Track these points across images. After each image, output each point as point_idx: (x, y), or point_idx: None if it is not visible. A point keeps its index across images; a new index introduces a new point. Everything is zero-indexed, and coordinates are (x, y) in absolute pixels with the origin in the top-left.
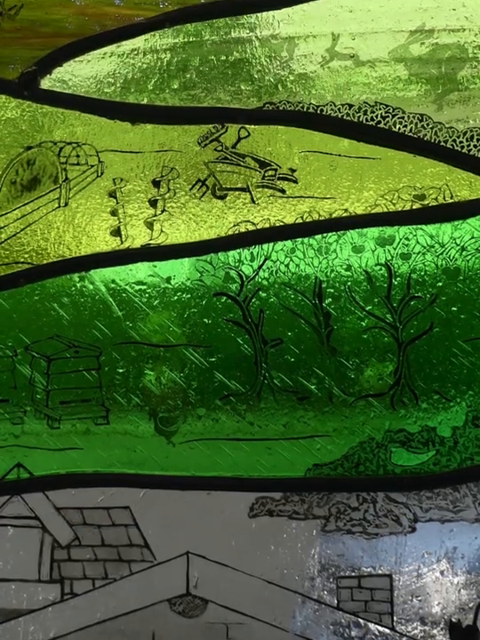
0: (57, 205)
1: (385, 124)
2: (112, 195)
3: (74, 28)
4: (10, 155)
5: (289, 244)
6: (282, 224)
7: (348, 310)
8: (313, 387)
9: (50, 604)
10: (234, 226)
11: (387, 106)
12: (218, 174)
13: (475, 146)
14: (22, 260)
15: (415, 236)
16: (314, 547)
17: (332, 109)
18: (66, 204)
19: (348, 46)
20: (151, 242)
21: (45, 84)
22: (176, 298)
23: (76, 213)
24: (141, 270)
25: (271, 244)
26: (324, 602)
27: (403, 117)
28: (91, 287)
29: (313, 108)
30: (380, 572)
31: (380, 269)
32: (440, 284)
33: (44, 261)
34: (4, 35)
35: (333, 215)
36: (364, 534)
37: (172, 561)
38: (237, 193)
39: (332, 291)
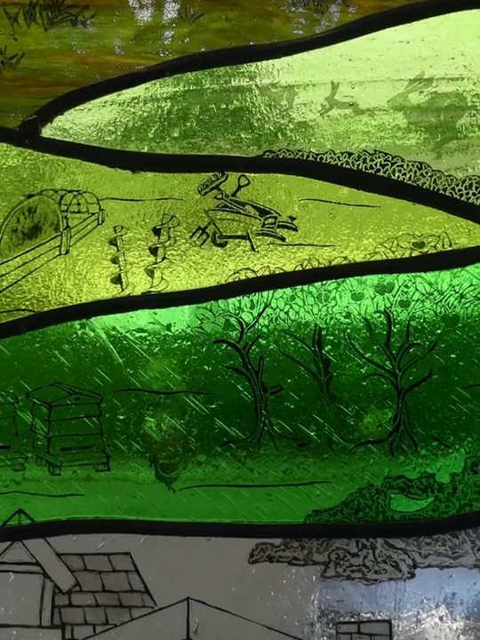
0: (58, 253)
1: (384, 172)
2: (113, 242)
3: (75, 76)
4: (11, 203)
5: (289, 291)
6: (282, 271)
7: (347, 357)
8: (312, 433)
9: None
10: (234, 273)
11: (386, 154)
12: (218, 222)
13: (473, 194)
14: (23, 307)
15: (414, 283)
16: (313, 592)
17: (331, 158)
18: (67, 252)
19: (347, 95)
20: (152, 289)
21: (46, 132)
22: (176, 345)
23: (76, 261)
24: (142, 317)
25: (271, 292)
26: None
27: (402, 165)
28: (91, 334)
29: (313, 156)
30: (379, 617)
31: (380, 317)
32: (439, 331)
33: (46, 309)
34: (5, 83)
35: (333, 263)
36: (363, 580)
37: (172, 607)
38: (237, 241)
39: (331, 338)
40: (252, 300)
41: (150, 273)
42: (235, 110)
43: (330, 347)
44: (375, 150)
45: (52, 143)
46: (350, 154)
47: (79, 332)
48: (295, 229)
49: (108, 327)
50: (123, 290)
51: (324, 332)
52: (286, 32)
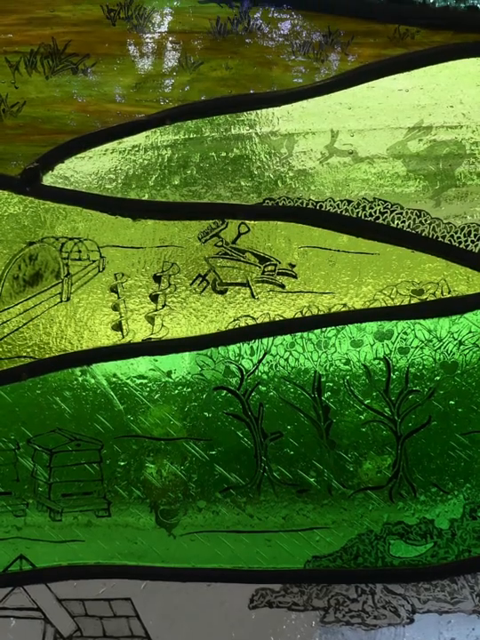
0: (59, 300)
1: (383, 220)
2: (113, 289)
3: (76, 124)
4: (12, 250)
5: (288, 338)
6: (281, 318)
7: (346, 404)
8: (312, 479)
9: None
10: (234, 320)
11: (385, 202)
12: (218, 269)
13: (472, 241)
14: (25, 354)
15: (413, 330)
16: (313, 638)
17: (331, 205)
18: (68, 299)
19: (346, 143)
20: (152, 336)
21: (47, 180)
22: (177, 392)
23: (77, 308)
24: (142, 364)
25: (271, 339)
26: None
27: (401, 213)
28: (92, 381)
29: (312, 203)
30: None
31: (379, 363)
32: (438, 377)
33: (47, 355)
34: (6, 131)
35: (332, 310)
36: (362, 625)
37: None
38: (237, 288)
39: (331, 384)
40: (251, 347)
41: (151, 320)
42: (235, 158)
43: (329, 393)
44: (374, 198)
45: (54, 191)
46: (350, 201)
47: (80, 379)
48: (295, 276)
49: (109, 374)
50: (123, 337)
51: (323, 379)
52: (286, 80)
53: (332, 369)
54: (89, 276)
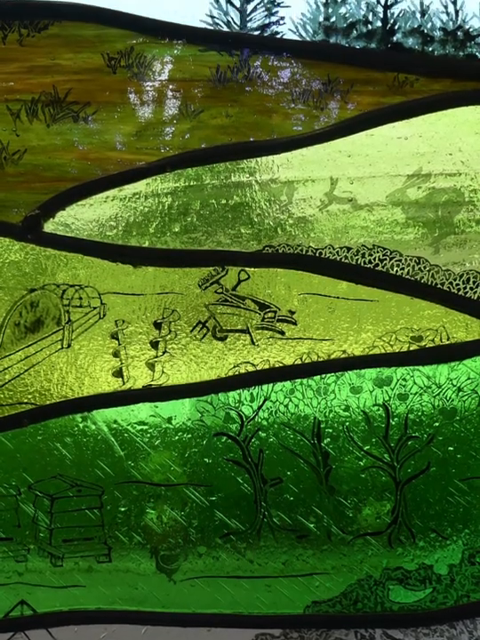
0: (60, 347)
1: (382, 267)
2: (114, 336)
3: (77, 172)
4: (14, 297)
5: (288, 384)
6: (281, 365)
7: (346, 450)
8: (312, 525)
9: None
10: (234, 367)
11: (384, 249)
12: (218, 316)
13: (471, 288)
14: (26, 400)
15: (412, 376)
16: None
17: (330, 252)
18: (69, 346)
19: (346, 190)
20: (153, 383)
21: (49, 227)
22: (177, 438)
23: (78, 355)
24: (143, 411)
25: (271, 385)
26: None
27: (400, 260)
28: (93, 427)
29: (312, 251)
30: None
31: (378, 410)
32: (437, 424)
33: (48, 402)
34: (7, 179)
35: (332, 356)
36: None
37: None
38: (237, 334)
39: (330, 431)
40: (251, 394)
41: (151, 366)
42: (235, 205)
43: (329, 439)
44: (374, 245)
45: (55, 238)
46: (349, 248)
47: (81, 425)
48: (294, 323)
49: (110, 420)
50: (124, 383)
51: (323, 425)
52: (286, 128)
53: (331, 415)
54: (90, 323)
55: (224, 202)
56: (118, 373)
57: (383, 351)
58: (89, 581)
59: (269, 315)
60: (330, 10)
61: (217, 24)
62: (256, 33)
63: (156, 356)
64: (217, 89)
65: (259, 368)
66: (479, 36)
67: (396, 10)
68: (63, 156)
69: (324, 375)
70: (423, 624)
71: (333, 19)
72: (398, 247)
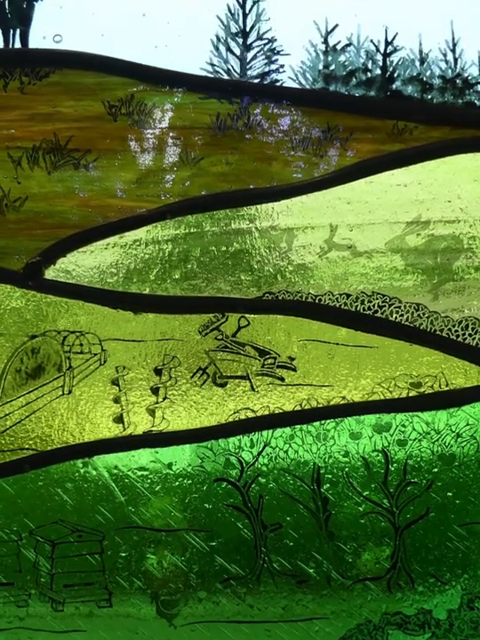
0: (61, 393)
1: (382, 314)
2: (115, 382)
3: (77, 219)
4: (15, 343)
5: (288, 430)
6: (281, 411)
7: (345, 495)
8: (311, 570)
9: None
10: (234, 413)
11: (384, 295)
12: (218, 362)
13: (469, 334)
14: (27, 446)
15: (411, 422)
16: None
17: (330, 299)
18: (70, 392)
19: (345, 237)
20: (153, 428)
21: (50, 274)
22: (177, 483)
23: (79, 401)
24: (143, 456)
25: (271, 431)
26: None
27: (399, 307)
28: (94, 473)
29: (311, 297)
30: None
31: (378, 456)
32: (436, 469)
33: (49, 448)
34: (9, 226)
35: (331, 402)
36: None
37: None
38: (237, 381)
39: (330, 476)
40: (251, 440)
41: (152, 412)
42: (235, 252)
43: (328, 485)
44: (373, 292)
45: (56, 285)
46: (348, 295)
47: (82, 471)
48: (294, 369)
49: (111, 466)
50: (125, 429)
51: (322, 471)
52: (286, 175)
53: (331, 461)
54: (90, 369)
55: (224, 249)
56: (119, 419)
57: (382, 397)
58: (90, 626)
59: (269, 361)
60: (329, 58)
61: (217, 72)
62: (256, 81)
63: (157, 402)
64: (217, 136)
65: (259, 414)
66: (478, 84)
67: (395, 58)
68: (64, 203)
69: (323, 421)
70: None
71: (333, 67)
72: (397, 294)
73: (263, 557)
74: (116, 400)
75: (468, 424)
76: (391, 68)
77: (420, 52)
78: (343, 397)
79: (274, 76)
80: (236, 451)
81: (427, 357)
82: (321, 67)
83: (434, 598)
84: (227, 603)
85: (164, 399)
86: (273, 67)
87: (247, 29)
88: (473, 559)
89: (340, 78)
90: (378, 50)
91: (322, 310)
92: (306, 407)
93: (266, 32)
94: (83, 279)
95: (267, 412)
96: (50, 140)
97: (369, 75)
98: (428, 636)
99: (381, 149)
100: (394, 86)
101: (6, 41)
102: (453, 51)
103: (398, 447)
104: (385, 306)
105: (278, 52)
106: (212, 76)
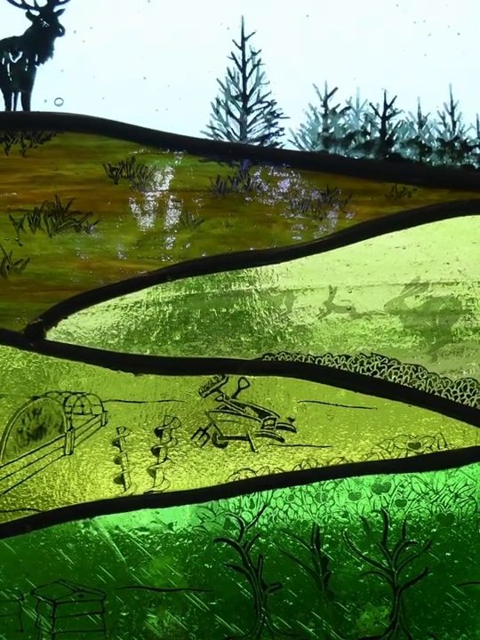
0: (62, 454)
1: (381, 375)
2: (116, 443)
3: (79, 281)
4: (16, 404)
5: (288, 491)
6: (281, 472)
7: (344, 555)
8: (311, 630)
9: None
10: (234, 473)
11: (382, 357)
12: (218, 423)
13: (468, 396)
14: (28, 506)
15: (410, 483)
16: None
17: (329, 360)
18: (71, 453)
19: (344, 299)
20: (154, 489)
21: (51, 335)
22: (178, 543)
23: (80, 461)
24: (144, 516)
25: (270, 491)
26: None
27: (398, 368)
28: (95, 533)
29: (311, 358)
30: None
31: (377, 516)
32: (434, 530)
33: (50, 508)
34: (10, 288)
35: (331, 463)
36: None
37: None
38: (237, 441)
39: (329, 536)
40: (251, 500)
41: (152, 473)
42: (235, 314)
43: (328, 545)
44: (372, 353)
45: (57, 346)
46: (348, 356)
47: (83, 531)
48: (294, 430)
49: (111, 526)
50: (125, 489)
51: (322, 531)
52: (285, 237)
53: (330, 521)
54: (92, 430)
55: (224, 310)
56: (120, 480)
57: (381, 458)
58: None
59: (269, 422)
60: (329, 121)
61: (217, 135)
62: (256, 144)
63: (157, 463)
64: (217, 199)
65: (258, 474)
66: (476, 147)
67: (394, 121)
68: (65, 265)
69: (322, 481)
70: None
71: (332, 130)
72: (396, 355)
73: (263, 617)
74: (117, 460)
75: (466, 484)
76: (390, 131)
77: (419, 115)
78: (342, 458)
79: (273, 138)
80: (236, 511)
81: (425, 418)
82: (320, 130)
83: None
84: None
85: (165, 460)
86: (273, 130)
87: (247, 93)
88: (471, 619)
89: (339, 141)
90: (377, 113)
91: (321, 371)
92: (305, 468)
93: (266, 95)
94: (84, 341)
95: (266, 473)
96: (51, 202)
97: (368, 137)
98: None
99: (380, 212)
100: (393, 149)
101: (8, 104)
102: (452, 114)
103: (397, 507)
104: (384, 367)
105: (278, 115)
106: (212, 138)
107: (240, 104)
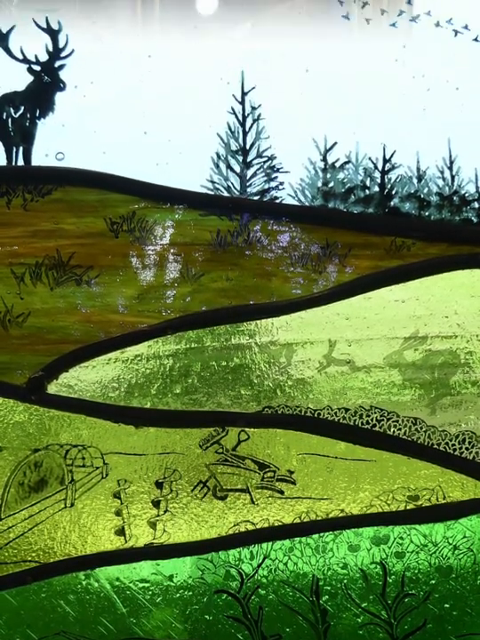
0: (63, 506)
1: (380, 428)
2: (117, 496)
3: (79, 334)
4: (18, 457)
5: (287, 543)
6: (280, 524)
7: (344, 607)
8: None
9: None
10: (234, 525)
11: (382, 410)
12: (218, 476)
13: (466, 448)
14: (30, 558)
15: (409, 535)
16: None
17: (328, 413)
18: (72, 505)
19: (344, 352)
20: (154, 541)
21: (52, 388)
22: (178, 595)
23: (81, 513)
24: (145, 568)
25: (270, 543)
26: None
27: (397, 421)
28: (96, 585)
29: (310, 411)
30: None
31: (376, 567)
32: (433, 581)
33: (51, 560)
34: (12, 341)
35: (330, 515)
36: None
37: None
38: (238, 494)
39: (328, 588)
40: (251, 552)
41: (153, 525)
42: (235, 367)
43: (327, 597)
44: (371, 406)
45: (58, 399)
46: (347, 409)
47: (84, 583)
48: (294, 483)
49: (112, 577)
50: (126, 541)
51: (321, 583)
52: (285, 291)
53: (329, 573)
54: (93, 483)
55: (224, 364)
56: (120, 532)
57: (380, 510)
58: None
59: (269, 474)
60: (328, 175)
61: (217, 189)
62: (256, 198)
63: (158, 515)
64: (217, 253)
65: (258, 527)
66: (474, 201)
67: (393, 175)
68: (66, 319)
69: (322, 533)
70: None
71: (332, 184)
72: (395, 408)
73: None
74: (118, 513)
75: (464, 536)
76: (389, 186)
77: (418, 169)
78: (342, 510)
79: (273, 193)
80: (237, 563)
81: (424, 471)
82: (320, 184)
83: None
84: None
85: (165, 512)
86: (273, 184)
87: (247, 147)
88: None
89: (338, 195)
90: (376, 167)
91: (321, 424)
92: (305, 520)
93: (265, 150)
94: (85, 394)
95: (266, 525)
96: (52, 256)
97: (367, 192)
98: None
99: (379, 265)
100: (392, 203)
101: (9, 158)
102: (451, 168)
103: (396, 559)
104: (383, 420)
105: (278, 170)
106: (212, 193)
107: (240, 158)
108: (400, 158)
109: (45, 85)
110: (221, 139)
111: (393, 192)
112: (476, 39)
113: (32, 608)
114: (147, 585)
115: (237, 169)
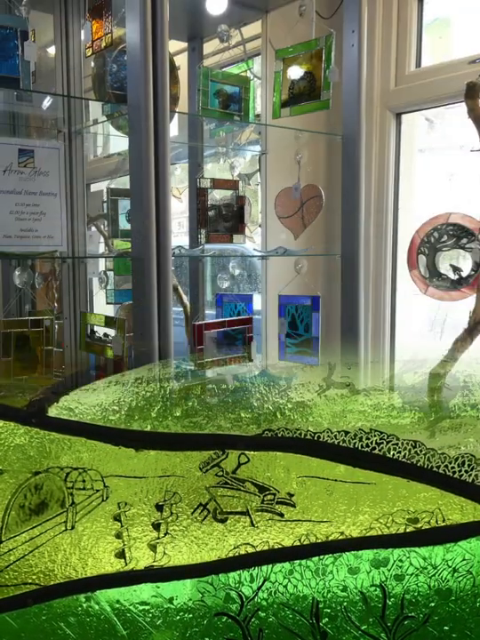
0: (64, 528)
1: (379, 450)
2: (117, 518)
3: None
4: (18, 480)
5: (287, 565)
6: (280, 546)
7: (343, 629)
8: None
9: None
10: (234, 548)
11: (381, 432)
12: (219, 498)
13: (465, 471)
14: (30, 581)
15: (408, 557)
16: None
17: (328, 436)
18: (72, 528)
19: (344, 375)
20: (154, 563)
21: (52, 411)
22: (178, 617)
23: (82, 536)
24: (145, 591)
25: (270, 566)
26: None
27: (397, 444)
28: (96, 607)
29: (310, 434)
30: None
31: (375, 590)
32: (433, 604)
33: (52, 582)
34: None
35: (330, 538)
36: None
37: None
38: (237, 516)
39: (328, 610)
40: (251, 574)
41: (153, 548)
42: (235, 390)
43: (327, 619)
44: (371, 429)
45: (59, 422)
46: (347, 432)
47: (84, 605)
48: (293, 505)
49: (113, 600)
50: (126, 564)
51: (321, 605)
52: None
53: (329, 595)
54: (93, 505)
55: (224, 387)
56: (121, 554)
57: (380, 533)
58: None
59: (269, 497)
60: None
61: None
62: None
63: (158, 538)
64: None
65: (258, 549)
66: None
67: None
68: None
69: (322, 556)
70: None
71: None
72: (395, 431)
73: None
74: (118, 535)
75: (464, 559)
76: None
77: None
78: (342, 533)
79: None
80: (237, 585)
81: (424, 493)
82: None
83: None
84: None
85: (166, 534)
86: None
87: None
88: None
89: None
90: None
91: (320, 447)
92: (305, 542)
93: None
94: (85, 416)
95: (266, 547)
96: None
97: None
98: None
99: None
100: None
101: None
102: None
103: (396, 582)
104: (383, 443)
105: None
106: None
107: None
108: None
109: None
110: None
111: None
112: None
113: (33, 630)
114: (147, 607)
115: None
